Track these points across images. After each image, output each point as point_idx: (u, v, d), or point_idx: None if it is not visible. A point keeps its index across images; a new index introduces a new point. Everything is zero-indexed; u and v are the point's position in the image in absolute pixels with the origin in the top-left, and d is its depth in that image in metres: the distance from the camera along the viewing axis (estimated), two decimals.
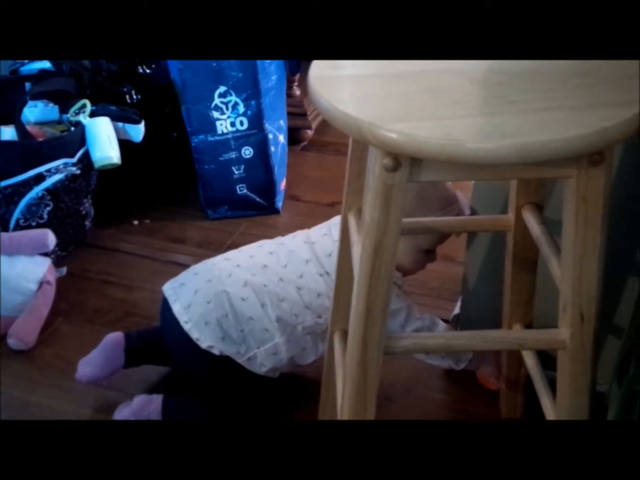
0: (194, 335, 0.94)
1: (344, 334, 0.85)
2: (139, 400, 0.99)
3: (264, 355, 0.94)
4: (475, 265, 1.01)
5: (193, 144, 1.42)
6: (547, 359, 0.84)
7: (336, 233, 0.92)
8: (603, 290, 0.63)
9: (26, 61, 1.42)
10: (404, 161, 0.53)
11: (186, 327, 0.94)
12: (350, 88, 0.57)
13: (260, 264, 0.96)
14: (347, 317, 0.84)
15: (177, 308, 0.96)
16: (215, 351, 0.94)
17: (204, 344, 0.94)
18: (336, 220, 0.96)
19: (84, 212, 1.34)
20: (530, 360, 0.81)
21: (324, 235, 0.97)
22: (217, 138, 1.41)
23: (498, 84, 0.55)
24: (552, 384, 0.76)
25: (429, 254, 0.98)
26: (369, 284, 0.60)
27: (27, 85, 1.35)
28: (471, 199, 0.95)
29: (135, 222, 1.45)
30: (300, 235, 1.00)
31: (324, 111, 0.55)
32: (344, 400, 0.68)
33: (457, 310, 1.09)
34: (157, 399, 0.98)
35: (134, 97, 1.42)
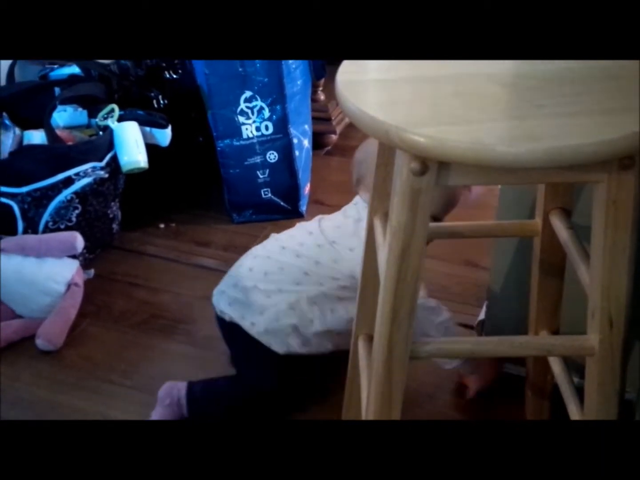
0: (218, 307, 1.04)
1: (369, 338, 0.85)
2: (164, 387, 1.01)
3: (264, 322, 0.99)
4: (501, 271, 1.00)
5: (219, 149, 1.43)
6: (574, 366, 0.83)
7: (351, 212, 0.99)
8: (632, 295, 0.62)
9: (55, 66, 1.45)
10: (432, 165, 0.53)
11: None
12: (377, 92, 0.57)
13: (279, 245, 1.04)
14: (372, 321, 0.84)
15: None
16: (226, 317, 1.02)
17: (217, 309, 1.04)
18: (356, 200, 1.02)
19: (111, 215, 1.36)
20: (557, 367, 0.80)
21: (337, 213, 1.02)
22: (243, 142, 1.42)
23: (527, 88, 0.55)
24: (579, 392, 0.75)
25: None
26: (395, 288, 0.60)
27: (57, 90, 1.38)
28: (498, 204, 0.94)
29: (162, 226, 1.47)
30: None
31: (352, 115, 0.55)
32: (369, 404, 0.68)
33: (482, 315, 1.08)
34: (182, 384, 1.01)
35: (161, 102, 1.44)
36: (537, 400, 0.93)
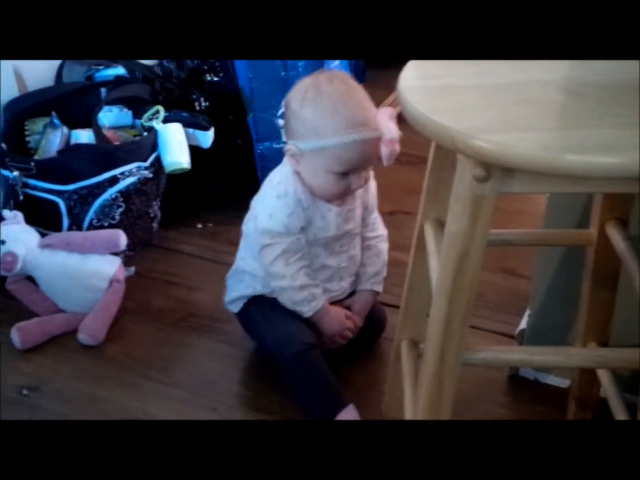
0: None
1: (412, 343, 0.86)
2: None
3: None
4: (544, 280, 0.99)
5: (258, 151, 1.44)
6: (620, 380, 0.82)
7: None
8: None
9: (101, 67, 1.48)
10: (495, 172, 0.53)
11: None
12: (442, 98, 0.57)
13: None
14: (416, 325, 0.84)
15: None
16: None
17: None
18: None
19: (152, 215, 1.38)
20: (605, 379, 0.79)
21: None
22: (282, 145, 1.43)
23: (596, 98, 0.54)
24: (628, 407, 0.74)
25: (345, 177, 0.96)
26: (451, 295, 0.59)
27: (103, 90, 1.40)
28: (545, 212, 0.93)
29: (199, 226, 1.48)
30: None
31: (414, 120, 0.56)
32: (417, 411, 0.68)
33: (522, 325, 1.07)
34: None
35: (202, 104, 1.46)
36: (580, 411, 0.92)
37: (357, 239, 1.07)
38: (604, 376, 0.80)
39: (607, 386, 0.78)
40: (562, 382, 1.02)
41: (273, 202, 0.98)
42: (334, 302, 1.07)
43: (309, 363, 0.97)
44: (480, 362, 0.63)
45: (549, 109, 0.54)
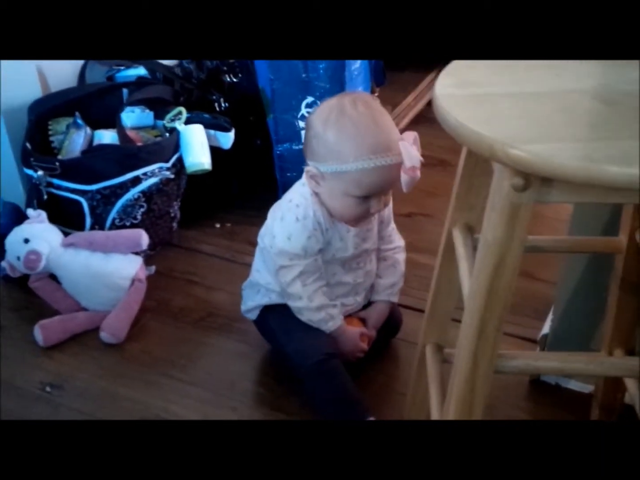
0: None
1: (437, 347, 0.86)
2: None
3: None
4: (569, 285, 0.99)
5: (278, 152, 1.45)
6: None
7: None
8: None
9: (122, 68, 1.49)
10: (535, 181, 0.53)
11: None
12: (479, 107, 0.57)
13: None
14: (442, 330, 0.84)
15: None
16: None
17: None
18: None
19: (172, 214, 1.39)
20: (632, 387, 0.79)
21: None
22: (301, 147, 1.44)
23: (630, 107, 0.54)
24: None
25: (365, 201, 0.95)
26: (485, 302, 0.60)
27: (124, 91, 1.41)
28: (572, 218, 0.93)
29: (217, 225, 1.49)
30: None
31: (452, 129, 0.56)
32: (446, 417, 0.68)
33: (545, 329, 1.07)
34: None
35: (222, 105, 1.46)
36: (604, 418, 0.92)
37: (373, 254, 1.07)
38: (629, 382, 0.80)
39: (633, 393, 0.78)
40: (585, 388, 1.02)
41: (292, 224, 0.98)
42: (349, 315, 1.07)
43: (329, 373, 0.98)
44: (513, 370, 0.63)
45: (585, 119, 0.54)
